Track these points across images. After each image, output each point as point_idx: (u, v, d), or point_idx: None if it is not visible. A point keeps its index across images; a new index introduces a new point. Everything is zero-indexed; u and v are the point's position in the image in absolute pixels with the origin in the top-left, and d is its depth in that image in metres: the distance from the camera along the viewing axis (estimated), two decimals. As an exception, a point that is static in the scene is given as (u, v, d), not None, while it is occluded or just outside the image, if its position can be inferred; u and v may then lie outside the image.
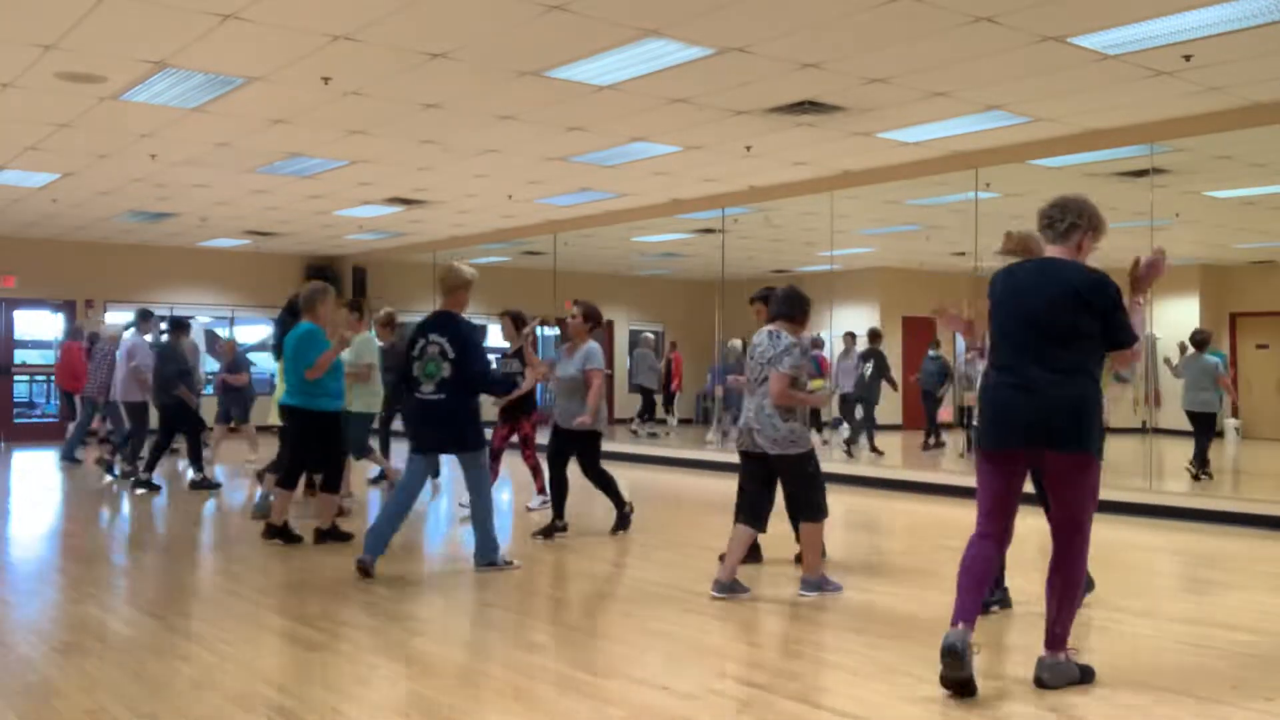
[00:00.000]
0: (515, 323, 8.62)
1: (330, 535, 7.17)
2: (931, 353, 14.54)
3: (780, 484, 5.67)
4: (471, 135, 9.61)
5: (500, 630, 5.06)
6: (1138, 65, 7.31)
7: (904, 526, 8.99)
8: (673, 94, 8.14)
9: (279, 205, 13.66)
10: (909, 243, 16.46)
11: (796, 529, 5.81)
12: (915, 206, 13.11)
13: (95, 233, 16.26)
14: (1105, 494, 10.03)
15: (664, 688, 4.06)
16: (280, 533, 7.15)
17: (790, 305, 5.65)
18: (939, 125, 9.08)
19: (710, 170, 11.20)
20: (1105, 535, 8.07)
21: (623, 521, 7.70)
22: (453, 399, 6.13)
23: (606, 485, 7.64)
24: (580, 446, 7.49)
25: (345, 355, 8.01)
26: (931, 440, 14.50)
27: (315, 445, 7.22)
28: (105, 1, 6.16)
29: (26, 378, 17.49)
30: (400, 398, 10.54)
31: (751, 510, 5.61)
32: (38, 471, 12.57)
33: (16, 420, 16.83)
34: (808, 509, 5.58)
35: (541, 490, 8.75)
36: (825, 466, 5.91)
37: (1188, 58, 7.12)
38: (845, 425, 14.63)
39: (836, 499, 6.32)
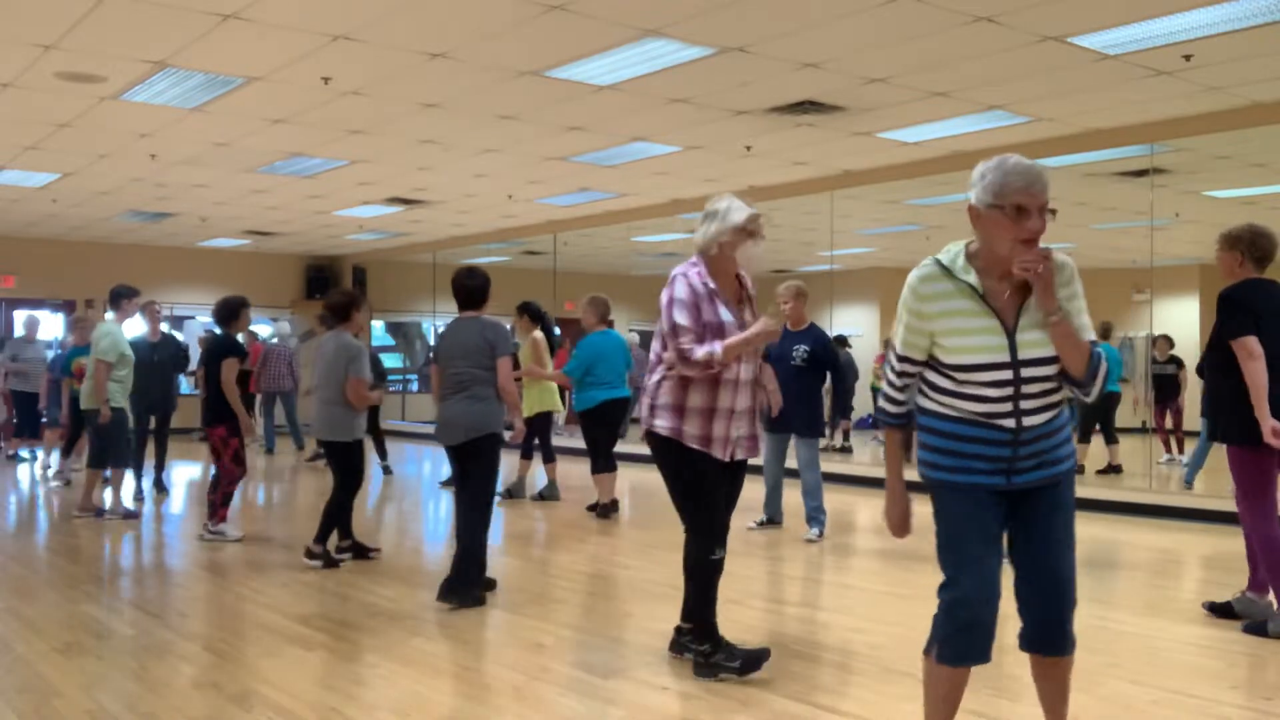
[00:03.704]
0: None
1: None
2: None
3: None
4: (471, 135, 9.61)
5: (500, 630, 5.05)
6: (1138, 65, 7.31)
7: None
8: (673, 94, 8.14)
9: (279, 205, 13.66)
10: (909, 243, 16.45)
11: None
12: (915, 206, 13.11)
13: (95, 233, 16.27)
14: (1106, 494, 10.04)
15: (664, 688, 4.06)
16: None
17: None
18: (939, 125, 9.08)
19: (710, 170, 11.20)
20: (1106, 535, 8.08)
21: (328, 561, 6.55)
22: (800, 386, 7.35)
23: (342, 517, 6.69)
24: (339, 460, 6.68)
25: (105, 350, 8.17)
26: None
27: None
28: (105, 1, 6.16)
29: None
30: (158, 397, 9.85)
31: None
32: (38, 470, 12.56)
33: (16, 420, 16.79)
34: None
35: (222, 518, 7.50)
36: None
37: (1188, 58, 7.12)
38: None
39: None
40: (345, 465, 6.65)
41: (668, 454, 4.21)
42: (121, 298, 8.58)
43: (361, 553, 6.76)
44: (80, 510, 8.46)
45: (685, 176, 11.55)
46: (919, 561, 6.56)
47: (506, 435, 5.79)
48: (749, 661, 4.15)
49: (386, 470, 11.79)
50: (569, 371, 8.54)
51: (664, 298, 4.17)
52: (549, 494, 9.61)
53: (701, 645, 4.19)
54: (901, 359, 2.87)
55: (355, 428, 6.64)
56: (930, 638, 2.89)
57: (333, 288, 6.58)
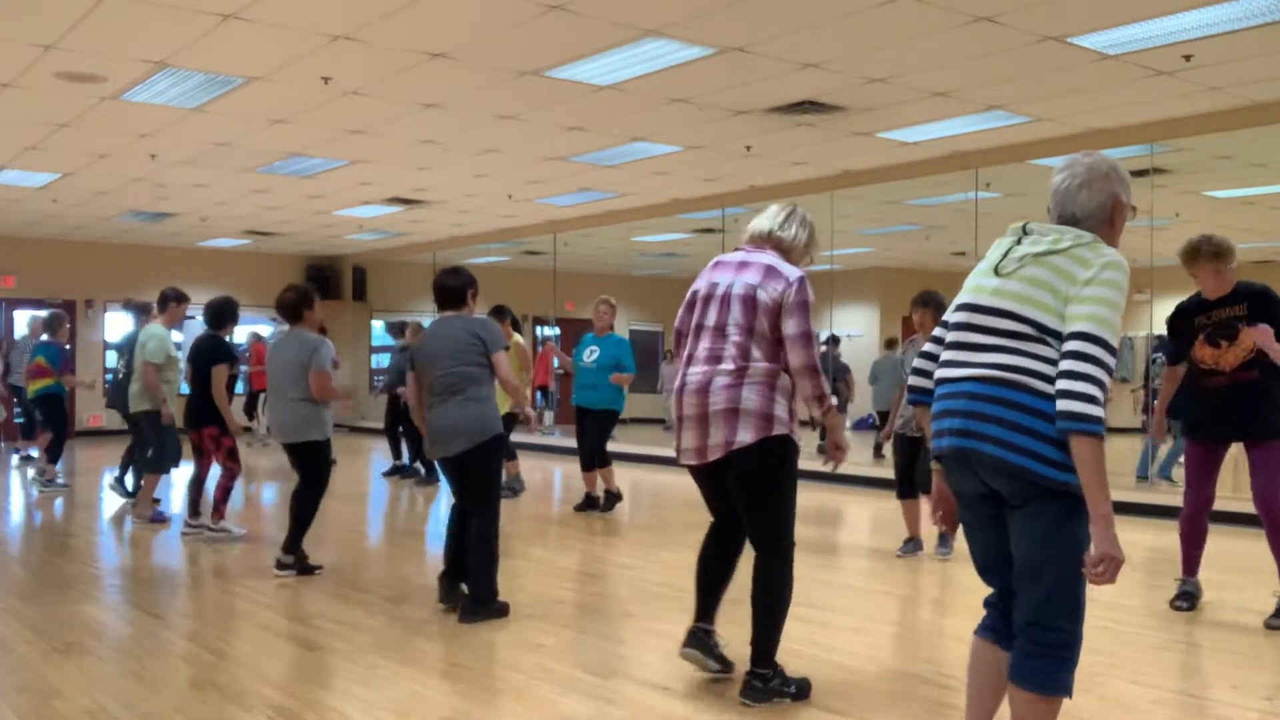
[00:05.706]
0: None
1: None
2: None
3: None
4: (471, 135, 9.62)
5: (500, 630, 5.05)
6: (1138, 65, 7.32)
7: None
8: (673, 94, 8.14)
9: (279, 205, 13.67)
10: (909, 243, 16.46)
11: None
12: (915, 206, 13.12)
13: (95, 233, 16.27)
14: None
15: (664, 688, 4.06)
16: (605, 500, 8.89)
17: None
18: (939, 125, 9.08)
19: (710, 170, 11.20)
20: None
21: (302, 569, 6.33)
22: None
23: (306, 515, 6.41)
24: (299, 459, 6.48)
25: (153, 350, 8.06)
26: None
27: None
28: (105, 1, 6.16)
29: (26, 377, 17.44)
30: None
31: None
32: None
33: (18, 420, 16.80)
34: None
35: (220, 515, 7.55)
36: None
37: (1188, 58, 7.13)
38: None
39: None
40: (317, 464, 6.42)
41: (788, 460, 3.92)
42: (170, 300, 8.45)
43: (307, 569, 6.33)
44: (138, 515, 8.32)
45: (685, 176, 11.56)
46: (918, 561, 6.56)
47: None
48: (802, 688, 3.96)
49: (399, 471, 11.74)
50: (630, 368, 8.80)
51: (791, 295, 3.78)
52: (518, 487, 9.95)
53: (765, 669, 3.91)
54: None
55: (326, 424, 6.38)
56: (1065, 681, 2.66)
57: (285, 287, 6.15)
